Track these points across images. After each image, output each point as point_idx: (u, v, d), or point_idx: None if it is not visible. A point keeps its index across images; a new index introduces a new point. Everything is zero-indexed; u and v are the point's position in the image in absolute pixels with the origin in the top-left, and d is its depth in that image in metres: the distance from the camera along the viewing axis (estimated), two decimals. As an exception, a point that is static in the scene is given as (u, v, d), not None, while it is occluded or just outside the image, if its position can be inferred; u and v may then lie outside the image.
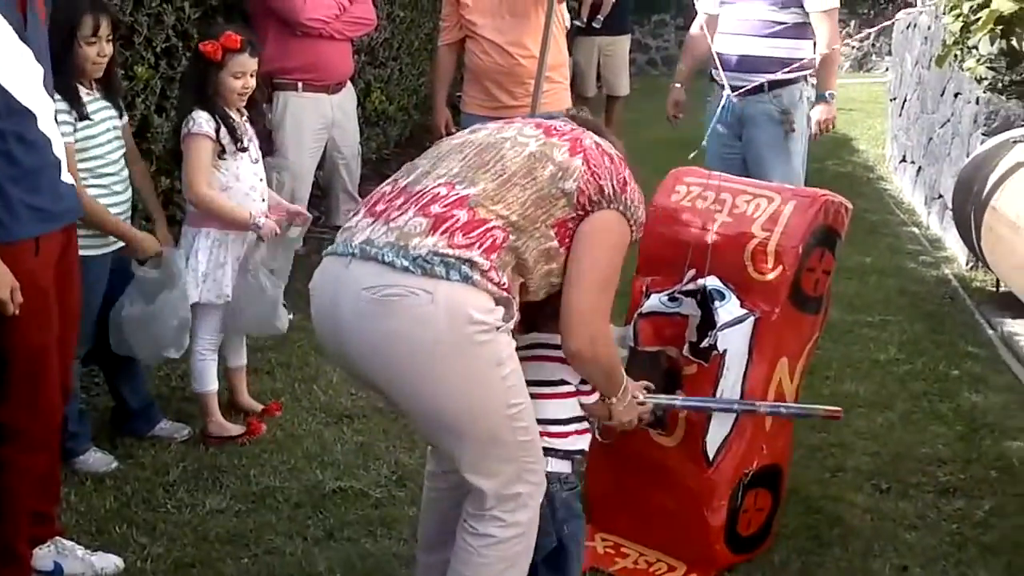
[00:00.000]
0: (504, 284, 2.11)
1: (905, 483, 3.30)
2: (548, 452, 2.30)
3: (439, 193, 2.16)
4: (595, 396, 2.39)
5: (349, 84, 5.03)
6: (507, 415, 2.14)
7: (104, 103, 3.29)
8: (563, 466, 2.36)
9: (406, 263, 2.07)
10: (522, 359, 2.24)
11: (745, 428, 2.79)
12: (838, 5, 4.38)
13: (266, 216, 3.57)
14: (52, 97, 2.63)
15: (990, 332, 4.61)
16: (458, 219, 2.11)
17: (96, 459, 3.42)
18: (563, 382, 2.37)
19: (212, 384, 3.67)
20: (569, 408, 2.38)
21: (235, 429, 3.66)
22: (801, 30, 4.38)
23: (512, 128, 2.32)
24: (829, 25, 4.34)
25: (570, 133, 2.29)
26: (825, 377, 4.07)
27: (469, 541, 2.20)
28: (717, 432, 2.77)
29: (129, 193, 3.40)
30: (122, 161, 3.36)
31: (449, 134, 4.84)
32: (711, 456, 2.77)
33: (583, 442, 2.41)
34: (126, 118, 3.49)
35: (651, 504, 2.87)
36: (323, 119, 4.80)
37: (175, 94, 4.28)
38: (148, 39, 4.14)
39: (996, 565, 2.85)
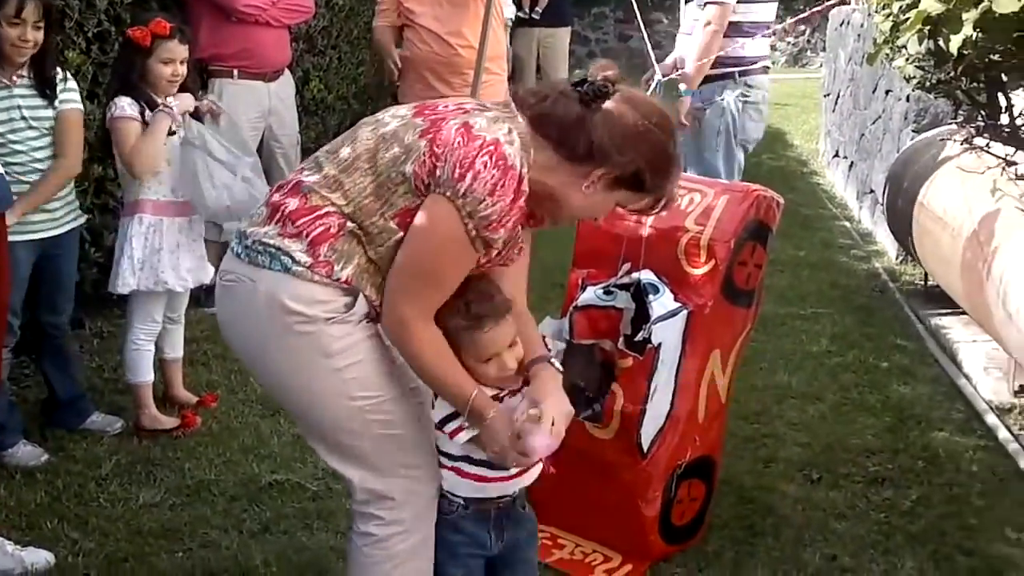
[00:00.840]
0: (340, 278, 2.02)
1: (835, 473, 3.37)
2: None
3: (288, 180, 2.15)
4: (464, 435, 2.14)
5: (287, 72, 4.98)
6: (354, 407, 2.07)
7: (22, 90, 3.22)
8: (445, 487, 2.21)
9: (240, 250, 2.10)
10: None
11: (678, 420, 2.83)
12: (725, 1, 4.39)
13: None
14: None
15: (919, 325, 4.72)
16: (287, 206, 2.07)
17: (26, 452, 3.36)
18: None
19: (147, 375, 3.62)
20: (442, 441, 2.19)
21: (169, 422, 3.61)
22: (736, 28, 4.43)
23: (391, 110, 2.15)
24: (712, 18, 4.37)
25: (443, 113, 2.04)
26: (759, 368, 4.14)
27: (354, 540, 2.18)
28: (651, 424, 2.81)
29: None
30: (39, 150, 3.29)
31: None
32: (645, 448, 2.81)
33: (461, 487, 2.20)
34: (69, 105, 3.39)
35: (587, 496, 2.90)
36: (259, 107, 4.75)
37: (107, 80, 4.19)
38: (80, 24, 4.06)
39: (922, 553, 2.92)
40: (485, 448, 2.13)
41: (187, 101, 3.50)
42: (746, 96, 4.56)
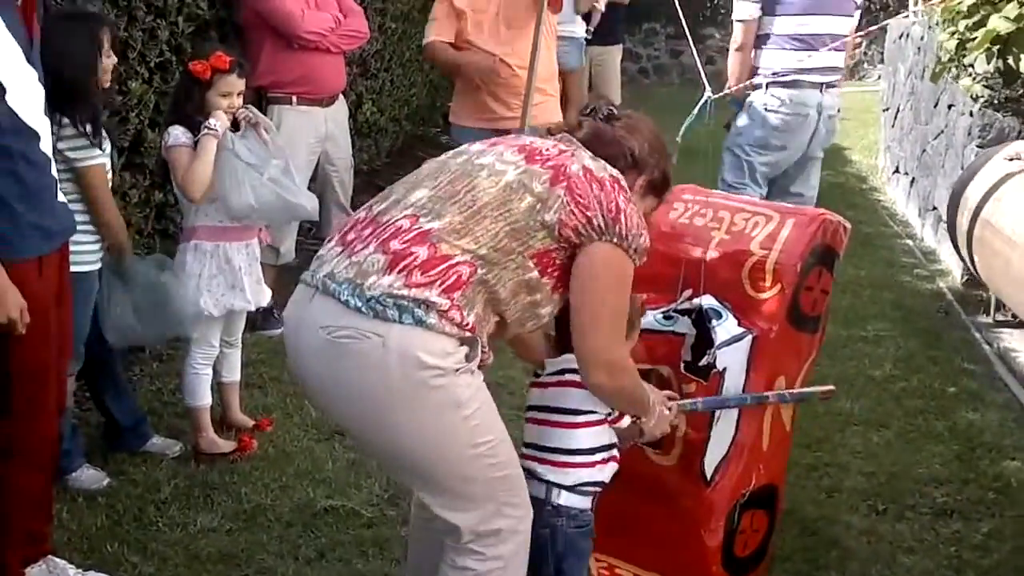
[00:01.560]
0: (468, 324, 2.02)
1: (902, 504, 3.28)
2: (558, 485, 2.27)
3: (401, 226, 2.07)
4: (626, 420, 2.35)
5: (341, 97, 5.01)
6: (474, 455, 2.07)
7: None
8: (575, 501, 2.29)
9: (359, 304, 2.01)
10: (551, 384, 2.24)
11: (743, 448, 2.77)
12: (745, 17, 4.59)
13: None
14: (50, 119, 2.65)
15: (986, 348, 4.60)
16: (417, 256, 2.02)
17: (88, 476, 3.39)
18: (590, 411, 2.31)
19: (205, 399, 3.65)
20: (594, 437, 2.32)
21: (226, 445, 3.63)
22: (758, 40, 4.62)
23: (492, 153, 2.20)
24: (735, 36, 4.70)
25: (556, 158, 2.15)
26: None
27: (449, 574, 2.15)
28: (715, 451, 2.75)
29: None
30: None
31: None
32: (709, 475, 2.75)
33: (606, 473, 2.35)
34: (108, 152, 3.32)
35: (647, 525, 2.84)
36: (317, 132, 4.78)
37: (168, 109, 4.26)
38: (142, 54, 4.12)
39: (995, 588, 2.83)
40: (646, 433, 2.39)
41: (224, 118, 3.51)
42: (765, 103, 4.64)
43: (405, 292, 1.99)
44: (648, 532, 2.84)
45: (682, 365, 2.79)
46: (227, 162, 3.45)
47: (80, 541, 3.07)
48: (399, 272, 2.01)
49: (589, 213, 2.07)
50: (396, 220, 2.10)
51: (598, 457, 2.32)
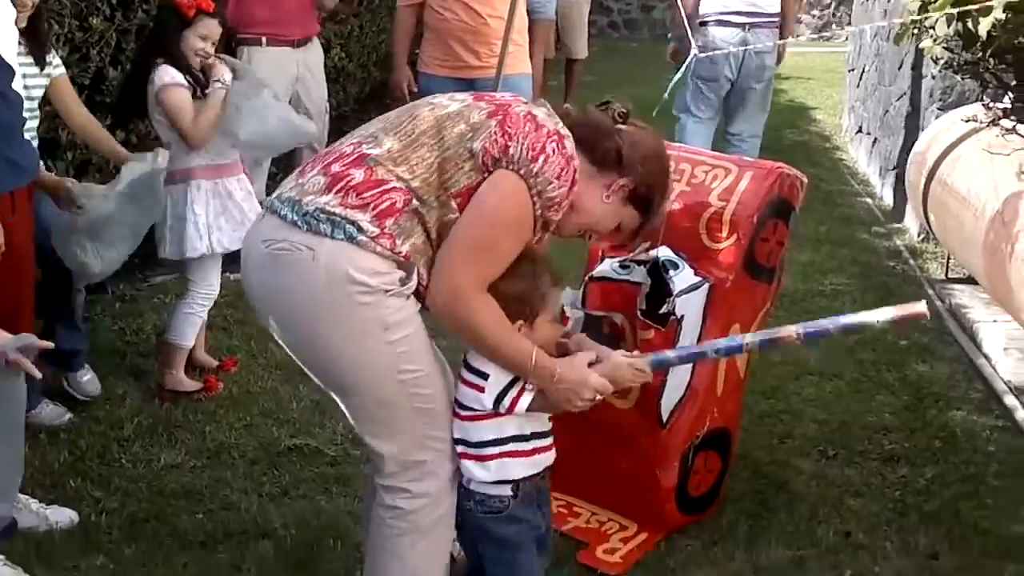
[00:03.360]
0: (400, 251, 2.04)
1: (851, 450, 3.38)
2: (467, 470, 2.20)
3: (344, 152, 2.13)
4: (524, 402, 2.16)
5: (316, 40, 4.99)
6: (397, 380, 2.08)
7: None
8: (485, 487, 2.20)
9: (295, 218, 2.06)
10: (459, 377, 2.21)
11: (698, 391, 2.85)
12: None
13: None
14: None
15: (939, 304, 4.71)
16: (353, 178, 2.06)
17: (49, 412, 3.40)
18: (470, 408, 2.19)
19: (189, 341, 3.66)
20: (478, 431, 2.18)
21: (192, 385, 3.65)
22: None
23: (444, 96, 2.23)
24: None
25: (504, 101, 2.16)
26: (777, 345, 4.13)
27: (379, 513, 2.19)
28: (671, 395, 2.82)
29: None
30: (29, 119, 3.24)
31: (410, 92, 4.82)
32: (664, 418, 2.82)
33: (515, 468, 2.20)
34: (59, 71, 3.38)
35: (604, 465, 2.92)
36: (288, 74, 4.76)
37: (130, 46, 4.21)
38: (104, -10, 4.06)
39: (936, 532, 2.93)
40: (559, 405, 2.19)
41: (226, 72, 3.52)
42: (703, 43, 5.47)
43: (339, 210, 2.04)
44: (605, 472, 2.92)
45: (639, 313, 2.86)
46: (231, 96, 3.46)
47: (42, 476, 3.10)
48: (336, 192, 2.06)
49: (510, 143, 2.06)
50: (341, 147, 2.17)
51: (488, 451, 2.18)
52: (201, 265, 3.60)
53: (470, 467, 2.20)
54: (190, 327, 3.64)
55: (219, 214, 3.55)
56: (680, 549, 2.83)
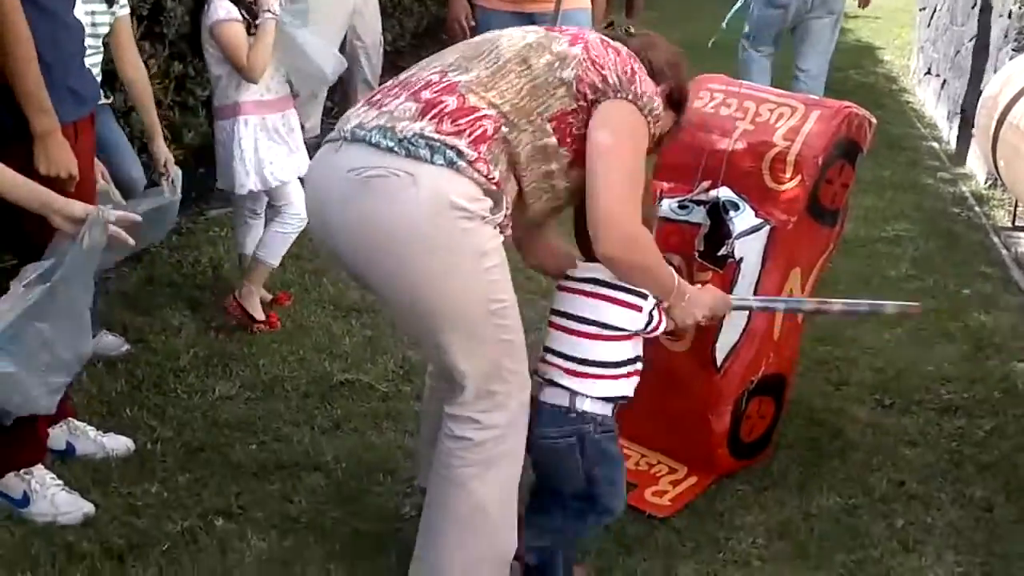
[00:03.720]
0: (494, 178, 2.03)
1: (908, 400, 3.32)
2: (582, 394, 2.22)
3: (431, 80, 2.11)
4: (662, 327, 2.27)
5: (370, -27, 4.93)
6: (488, 311, 2.08)
7: None
8: (599, 407, 2.25)
9: (391, 144, 2.02)
10: (581, 292, 2.23)
11: (754, 336, 2.80)
12: None
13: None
14: None
15: (1004, 252, 4.59)
16: (447, 104, 2.05)
17: (107, 342, 3.46)
18: (621, 329, 2.24)
19: (278, 260, 3.71)
20: (622, 351, 2.26)
21: (259, 313, 3.69)
22: None
23: (516, 30, 2.25)
24: None
25: (574, 31, 2.22)
26: (836, 291, 4.02)
27: (447, 444, 2.18)
28: (727, 338, 2.78)
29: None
30: (94, 55, 3.23)
31: (466, 27, 4.75)
32: (719, 362, 2.79)
33: (627, 387, 2.29)
34: (124, 11, 3.34)
35: (655, 407, 2.89)
36: (344, 5, 4.71)
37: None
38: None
39: (993, 484, 2.88)
40: (682, 321, 2.33)
41: (275, 1, 3.48)
42: None
43: (436, 136, 2.02)
44: (657, 415, 2.89)
45: (696, 254, 2.81)
46: (294, 38, 3.47)
47: (100, 405, 3.16)
48: (430, 119, 2.04)
49: (604, 71, 2.10)
50: (425, 76, 2.14)
51: (623, 371, 2.26)
52: (280, 192, 3.62)
53: (604, 385, 2.24)
54: (282, 246, 3.68)
55: (268, 148, 3.55)
56: (731, 493, 2.81)
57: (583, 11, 4.63)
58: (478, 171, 2.02)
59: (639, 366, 2.30)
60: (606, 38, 2.20)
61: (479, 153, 2.02)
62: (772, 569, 2.52)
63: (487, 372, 2.12)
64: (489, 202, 2.05)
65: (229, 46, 3.41)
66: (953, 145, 6.31)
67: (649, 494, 2.79)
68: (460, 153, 2.01)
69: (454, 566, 2.20)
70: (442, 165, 2.00)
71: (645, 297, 2.23)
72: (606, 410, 2.27)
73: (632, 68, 2.14)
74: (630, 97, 2.11)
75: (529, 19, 4.35)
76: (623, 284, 2.22)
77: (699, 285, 2.49)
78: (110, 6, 3.26)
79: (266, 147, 3.55)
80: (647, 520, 2.68)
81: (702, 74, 3.08)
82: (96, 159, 2.90)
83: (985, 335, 3.79)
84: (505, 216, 2.10)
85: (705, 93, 2.97)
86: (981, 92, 5.34)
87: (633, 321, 2.23)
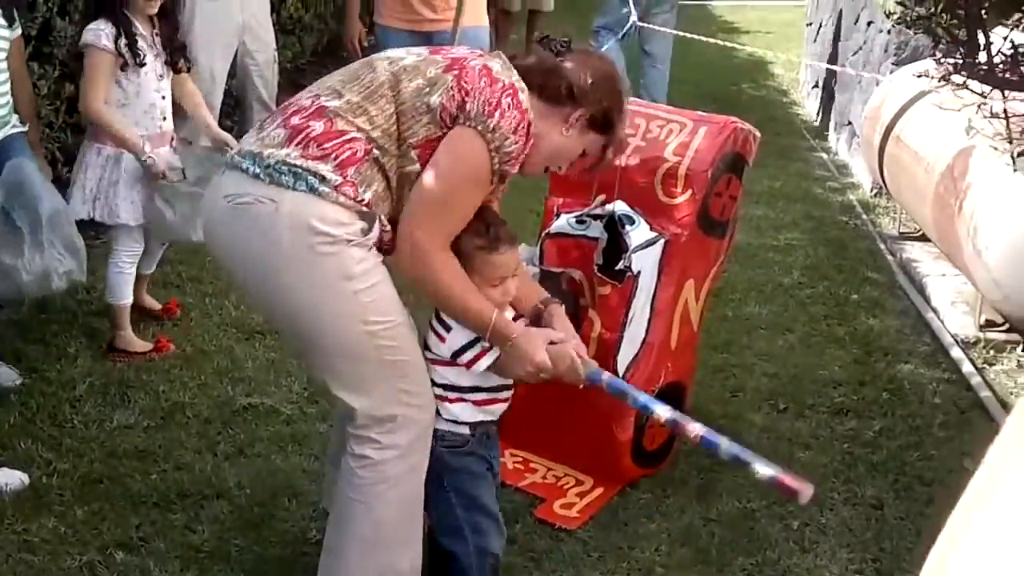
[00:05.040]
0: (363, 200, 2.06)
1: (801, 404, 3.44)
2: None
3: (303, 106, 2.14)
4: (484, 363, 2.22)
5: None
6: (365, 331, 2.08)
7: None
8: (442, 424, 2.26)
9: (258, 171, 2.07)
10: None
11: (653, 346, 2.88)
12: None
13: (170, 142, 3.51)
14: None
15: (889, 258, 4.77)
16: (313, 129, 2.07)
17: (0, 373, 3.35)
18: (430, 350, 2.25)
19: (127, 298, 3.63)
20: (439, 374, 2.25)
21: (142, 345, 3.62)
22: None
23: (402, 50, 2.26)
24: None
25: (462, 56, 2.17)
26: (730, 300, 4.18)
27: (349, 462, 2.19)
28: (627, 350, 2.85)
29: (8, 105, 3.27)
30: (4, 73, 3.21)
31: (361, 47, 4.76)
32: (621, 373, 2.84)
33: (460, 411, 2.27)
34: (18, 31, 3.32)
35: (560, 421, 2.94)
36: (232, 22, 4.66)
37: (79, -3, 4.11)
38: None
39: (883, 482, 3.00)
40: (507, 369, 2.23)
41: (164, 161, 3.43)
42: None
43: (300, 162, 2.05)
44: (562, 427, 2.95)
45: (595, 268, 2.87)
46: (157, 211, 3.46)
47: (-7, 438, 3.06)
48: (296, 144, 2.07)
49: (468, 99, 2.08)
50: (300, 100, 2.17)
51: (450, 394, 2.25)
52: (117, 228, 3.54)
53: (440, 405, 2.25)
54: (123, 285, 3.60)
55: (111, 184, 3.44)
56: (633, 502, 2.87)
57: (481, 28, 4.68)
58: (344, 194, 2.04)
59: (476, 396, 2.27)
60: (492, 65, 2.14)
61: (345, 177, 2.05)
62: None
63: (378, 397, 2.13)
64: (360, 224, 2.06)
65: (86, 71, 3.36)
66: (841, 155, 6.54)
67: (558, 507, 2.83)
68: (323, 179, 2.03)
69: None
70: (304, 191, 2.03)
71: (448, 329, 2.21)
72: (450, 428, 2.27)
73: (499, 101, 2.08)
74: (479, 128, 2.08)
75: (427, 38, 4.38)
76: (440, 313, 2.23)
77: (585, 347, 2.41)
78: (11, 24, 3.19)
79: (113, 182, 3.43)
80: (554, 533, 2.72)
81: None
82: None
83: (873, 339, 3.94)
84: (385, 233, 2.12)
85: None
86: (865, 104, 5.56)
87: (438, 347, 2.23)
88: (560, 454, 3.01)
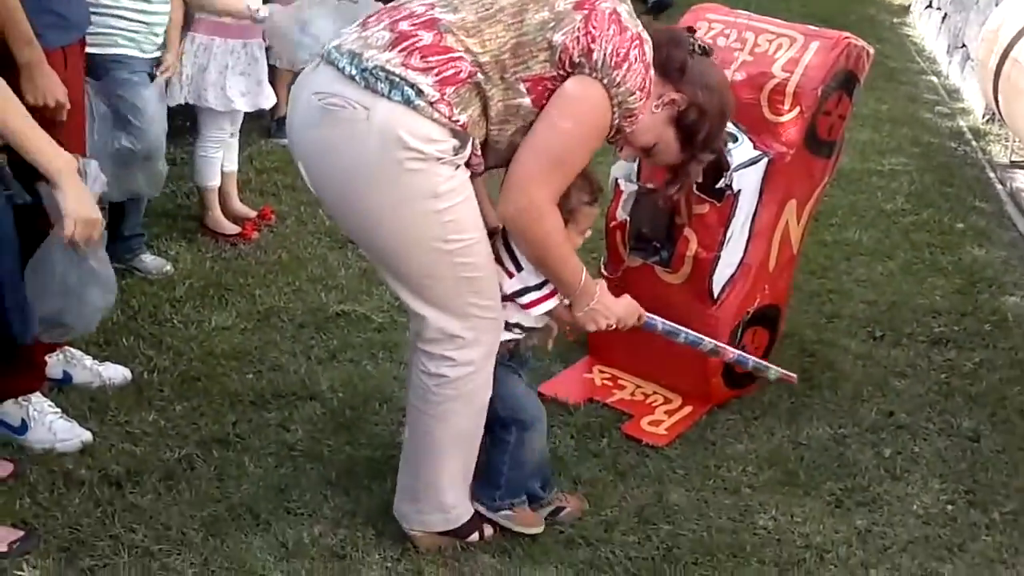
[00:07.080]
0: (457, 120, 1.97)
1: (899, 332, 3.35)
2: None
3: (414, 12, 2.03)
4: (544, 307, 2.23)
5: None
6: (442, 250, 2.04)
7: None
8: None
9: (354, 72, 1.99)
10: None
11: (750, 268, 2.82)
12: None
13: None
14: None
15: (999, 187, 4.58)
16: (420, 39, 1.98)
17: (154, 262, 3.55)
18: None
19: (214, 179, 3.81)
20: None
21: (230, 228, 3.79)
22: None
23: None
24: None
25: None
26: (829, 224, 4.07)
27: (424, 380, 2.19)
28: (724, 271, 2.80)
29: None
30: None
31: None
32: (716, 293, 2.80)
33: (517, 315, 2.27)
34: None
35: (652, 339, 2.90)
36: None
37: None
38: None
39: (980, 415, 2.92)
40: (580, 321, 2.25)
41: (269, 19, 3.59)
42: None
43: (400, 71, 1.97)
44: (652, 346, 2.90)
45: (694, 186, 2.80)
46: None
47: (96, 335, 3.12)
48: (400, 51, 1.99)
49: (594, 45, 1.97)
50: (413, 5, 2.07)
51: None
52: (205, 114, 3.71)
53: None
54: (208, 167, 3.79)
55: (201, 70, 3.61)
56: (722, 423, 2.84)
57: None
58: (439, 111, 1.96)
59: (509, 334, 2.27)
60: (620, 10, 2.02)
61: (443, 94, 1.96)
62: (761, 496, 2.56)
63: (449, 313, 2.11)
64: (452, 143, 1.99)
65: None
66: (952, 79, 6.27)
67: (645, 423, 2.82)
68: (420, 92, 1.95)
69: (441, 486, 2.27)
70: (398, 101, 1.96)
71: (520, 268, 2.21)
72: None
73: (627, 53, 1.99)
74: (605, 81, 1.99)
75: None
76: (512, 245, 2.19)
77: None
78: None
79: (203, 68, 3.60)
80: (640, 449, 2.72)
81: (699, 4, 3.05)
82: None
83: (977, 269, 3.81)
84: (475, 155, 2.05)
85: (703, 24, 2.94)
86: (982, 26, 5.29)
87: (503, 280, 2.21)
88: (651, 373, 2.99)
